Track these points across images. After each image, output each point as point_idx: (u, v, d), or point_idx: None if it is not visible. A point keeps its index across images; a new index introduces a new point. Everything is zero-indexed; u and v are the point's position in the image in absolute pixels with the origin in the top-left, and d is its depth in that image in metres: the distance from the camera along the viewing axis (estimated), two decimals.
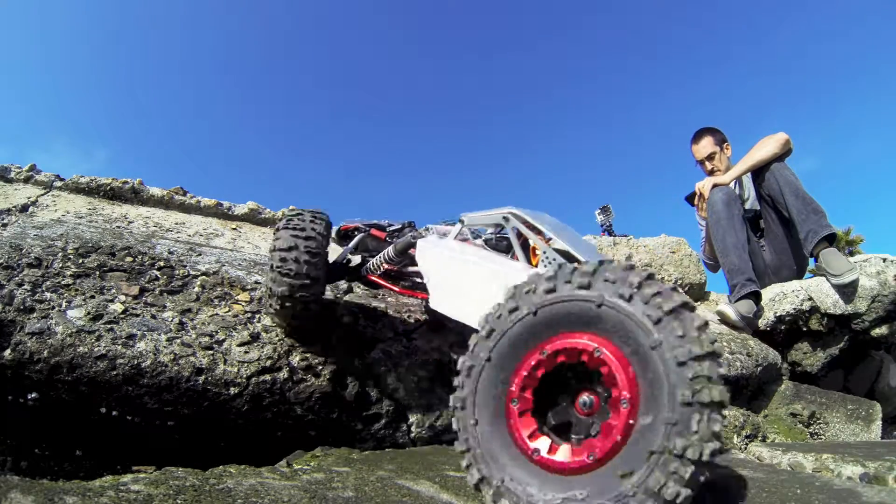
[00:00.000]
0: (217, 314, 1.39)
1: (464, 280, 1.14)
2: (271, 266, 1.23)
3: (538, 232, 1.15)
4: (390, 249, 1.37)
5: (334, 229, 1.52)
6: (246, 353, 1.30)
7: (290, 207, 1.39)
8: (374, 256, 1.43)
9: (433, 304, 1.19)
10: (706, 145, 2.99)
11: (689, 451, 0.64)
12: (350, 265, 1.48)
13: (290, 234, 1.24)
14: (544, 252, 1.10)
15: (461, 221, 1.27)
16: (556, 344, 0.79)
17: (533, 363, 0.80)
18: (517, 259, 1.14)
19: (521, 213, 1.18)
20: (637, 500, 0.66)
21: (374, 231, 1.46)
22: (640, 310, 0.72)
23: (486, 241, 1.29)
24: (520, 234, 1.18)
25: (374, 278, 1.44)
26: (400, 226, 1.47)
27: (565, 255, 1.12)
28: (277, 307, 1.25)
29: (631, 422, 0.70)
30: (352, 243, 1.48)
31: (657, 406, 0.68)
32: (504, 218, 1.19)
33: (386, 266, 1.40)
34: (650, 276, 0.75)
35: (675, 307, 0.71)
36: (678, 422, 0.66)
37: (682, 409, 0.66)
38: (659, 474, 0.65)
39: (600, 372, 0.75)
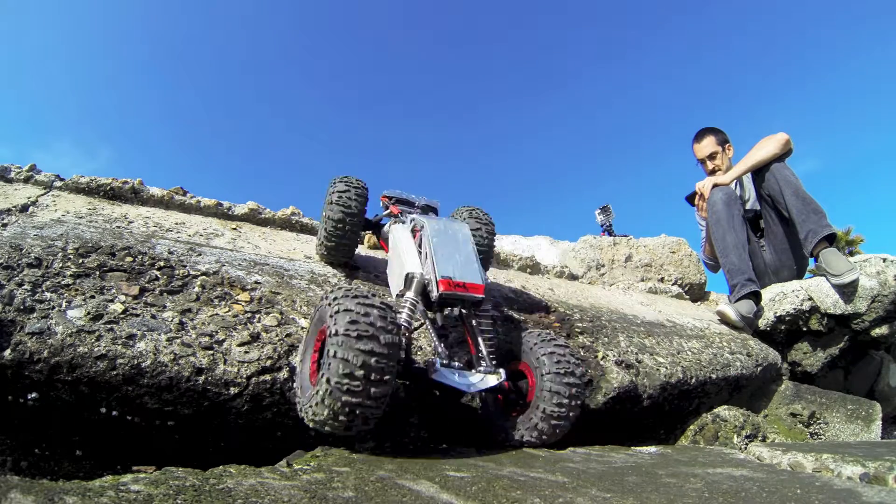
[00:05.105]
0: (217, 314, 1.39)
1: (393, 262, 1.52)
2: (325, 228, 1.79)
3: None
4: (385, 227, 1.81)
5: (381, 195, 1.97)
6: (246, 353, 1.30)
7: (341, 177, 1.78)
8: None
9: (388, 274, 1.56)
10: (708, 144, 2.98)
11: None
12: (381, 223, 1.92)
13: (339, 209, 1.73)
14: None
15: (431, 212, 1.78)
16: None
17: None
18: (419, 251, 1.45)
19: (420, 218, 1.53)
20: None
21: (392, 207, 1.82)
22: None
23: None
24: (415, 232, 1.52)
25: (382, 242, 1.91)
26: (424, 204, 1.85)
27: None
28: (325, 251, 1.86)
29: None
30: (385, 213, 1.90)
31: None
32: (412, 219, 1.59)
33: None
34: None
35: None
36: None
37: None
38: None
39: None
